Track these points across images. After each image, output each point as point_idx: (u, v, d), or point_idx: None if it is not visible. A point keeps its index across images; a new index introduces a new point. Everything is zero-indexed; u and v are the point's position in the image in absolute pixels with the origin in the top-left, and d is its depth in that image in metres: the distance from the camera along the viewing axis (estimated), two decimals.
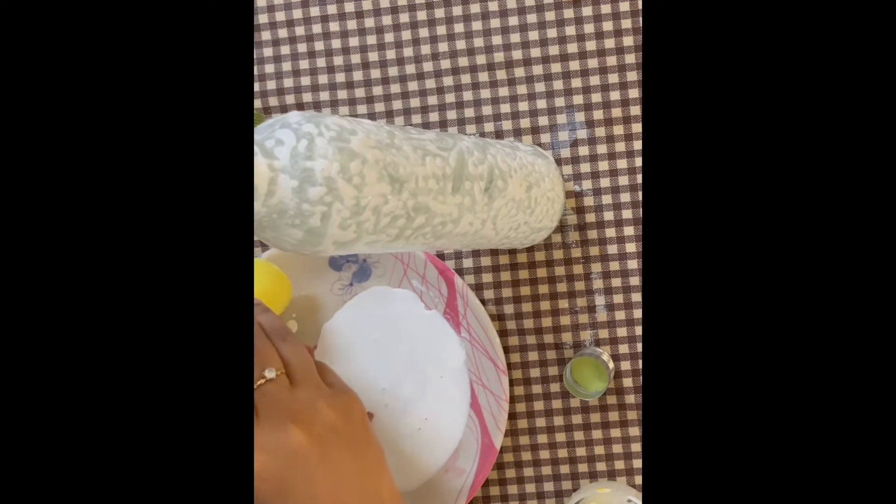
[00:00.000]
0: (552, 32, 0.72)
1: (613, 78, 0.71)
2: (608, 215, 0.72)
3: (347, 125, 0.49)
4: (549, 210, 0.67)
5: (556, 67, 0.72)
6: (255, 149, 0.46)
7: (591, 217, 0.72)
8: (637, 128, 0.71)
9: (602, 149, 0.72)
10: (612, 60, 0.71)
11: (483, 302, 0.73)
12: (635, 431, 0.73)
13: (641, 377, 0.72)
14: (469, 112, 0.73)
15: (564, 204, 0.71)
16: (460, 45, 0.73)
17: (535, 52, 0.72)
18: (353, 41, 0.74)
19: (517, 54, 0.72)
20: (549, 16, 0.72)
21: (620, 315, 0.72)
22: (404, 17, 0.73)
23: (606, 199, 0.72)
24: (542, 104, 0.72)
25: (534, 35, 0.72)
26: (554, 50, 0.72)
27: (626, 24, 0.71)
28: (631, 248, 0.72)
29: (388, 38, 0.73)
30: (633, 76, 0.71)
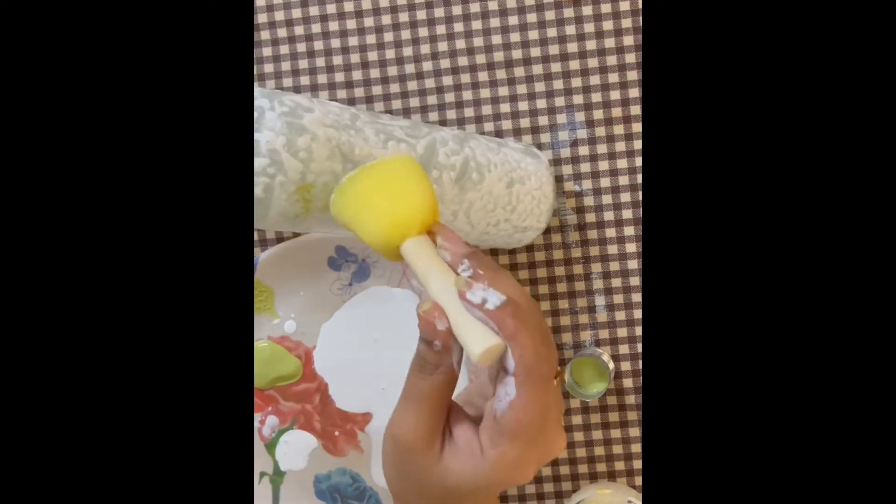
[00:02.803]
0: (552, 32, 0.72)
1: (613, 77, 0.71)
2: (608, 215, 0.72)
3: (305, 102, 0.49)
4: (533, 210, 0.66)
5: (555, 67, 0.72)
6: None
7: (591, 217, 0.72)
8: (637, 127, 0.71)
9: (602, 149, 0.72)
10: (612, 60, 0.71)
11: None
12: (636, 432, 0.72)
13: (642, 378, 0.72)
14: (469, 112, 0.73)
15: (553, 205, 0.71)
16: (460, 44, 0.72)
17: (535, 52, 0.72)
18: (353, 41, 0.73)
19: (517, 54, 0.72)
20: (549, 15, 0.72)
21: (620, 315, 0.72)
22: (403, 17, 0.73)
23: (606, 199, 0.72)
24: (541, 104, 0.72)
25: (533, 34, 0.72)
26: (554, 49, 0.72)
27: (626, 23, 0.71)
28: (631, 248, 0.72)
29: (388, 37, 0.73)
30: (633, 76, 0.71)
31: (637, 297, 0.72)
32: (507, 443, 0.45)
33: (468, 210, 0.59)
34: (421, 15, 0.73)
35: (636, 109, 0.71)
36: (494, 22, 0.72)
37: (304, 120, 0.48)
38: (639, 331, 0.72)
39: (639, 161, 0.71)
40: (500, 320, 0.44)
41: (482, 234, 0.63)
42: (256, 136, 0.47)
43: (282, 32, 0.74)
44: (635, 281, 0.72)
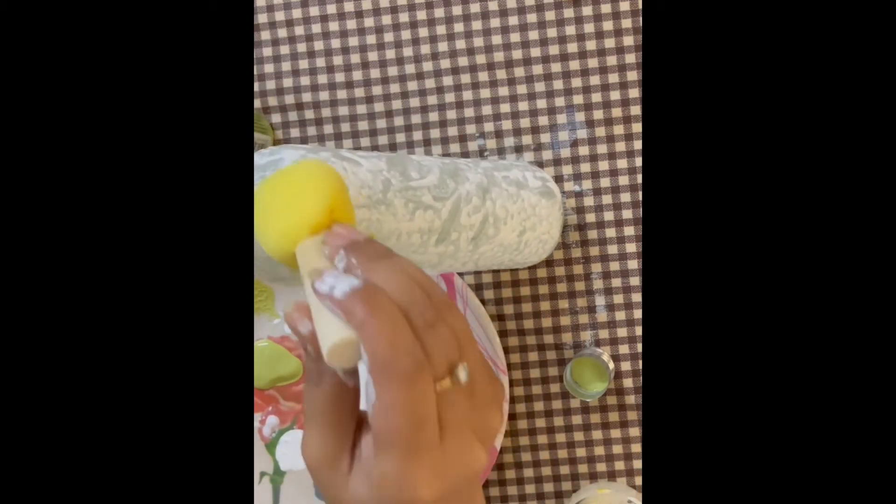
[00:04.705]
0: (552, 32, 0.72)
1: (613, 78, 0.71)
2: (608, 215, 0.72)
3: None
4: (538, 250, 0.67)
5: (555, 67, 0.72)
6: None
7: (591, 217, 0.72)
8: (637, 128, 0.71)
9: (602, 149, 0.72)
10: (612, 60, 0.71)
11: (483, 302, 0.73)
12: (635, 432, 0.72)
13: (641, 378, 0.72)
14: (469, 112, 0.73)
15: (557, 242, 0.71)
16: (460, 44, 0.72)
17: (535, 52, 0.72)
18: (353, 41, 0.73)
19: (517, 54, 0.72)
20: (549, 15, 0.72)
21: (620, 315, 0.72)
22: (404, 17, 0.73)
23: (606, 199, 0.72)
24: (542, 104, 0.72)
25: (533, 35, 0.72)
26: (554, 49, 0.72)
27: (626, 23, 0.71)
28: (631, 248, 0.72)
29: (388, 37, 0.73)
30: (633, 76, 0.71)
31: (637, 297, 0.72)
32: (381, 453, 0.38)
33: (478, 260, 0.59)
34: (421, 15, 0.73)
35: (636, 109, 0.71)
36: (494, 22, 0.72)
37: None
38: (639, 331, 0.72)
39: (639, 161, 0.71)
40: (347, 309, 0.37)
41: (479, 268, 0.63)
42: None
43: (282, 32, 0.74)
44: (635, 281, 0.72)
